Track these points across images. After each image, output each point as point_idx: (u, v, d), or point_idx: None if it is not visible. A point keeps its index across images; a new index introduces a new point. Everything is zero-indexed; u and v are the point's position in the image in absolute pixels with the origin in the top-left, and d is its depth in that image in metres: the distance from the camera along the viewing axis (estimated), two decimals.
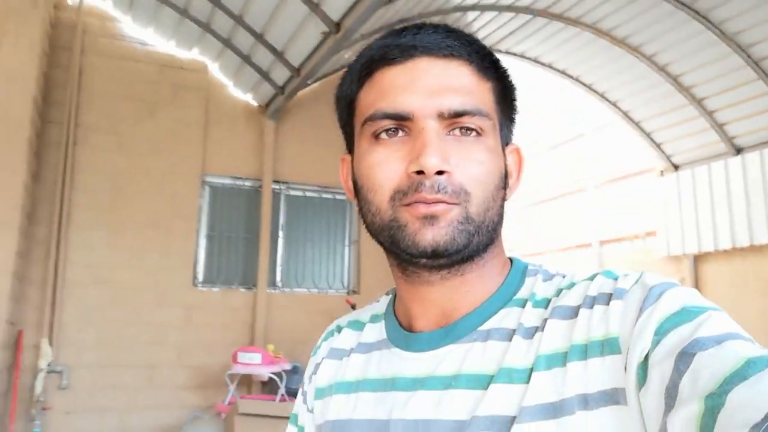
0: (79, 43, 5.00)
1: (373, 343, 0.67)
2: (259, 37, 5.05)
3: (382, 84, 0.59)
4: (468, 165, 0.56)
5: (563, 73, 6.57)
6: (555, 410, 0.49)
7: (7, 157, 4.23)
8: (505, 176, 0.61)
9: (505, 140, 0.63)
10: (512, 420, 0.50)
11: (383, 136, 0.58)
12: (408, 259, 0.58)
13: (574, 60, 6.37)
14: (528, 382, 0.52)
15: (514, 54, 6.43)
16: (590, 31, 5.74)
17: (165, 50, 5.26)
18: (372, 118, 0.58)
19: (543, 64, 6.54)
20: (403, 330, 0.64)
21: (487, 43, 6.95)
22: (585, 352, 0.50)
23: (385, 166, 0.57)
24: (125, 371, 5.05)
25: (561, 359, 0.51)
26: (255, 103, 5.77)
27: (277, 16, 4.75)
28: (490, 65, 0.60)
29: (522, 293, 0.60)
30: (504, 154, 0.62)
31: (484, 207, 0.57)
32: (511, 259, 0.65)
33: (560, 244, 8.66)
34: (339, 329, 0.73)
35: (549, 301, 0.58)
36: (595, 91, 6.64)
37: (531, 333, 0.55)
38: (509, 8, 5.54)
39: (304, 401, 0.73)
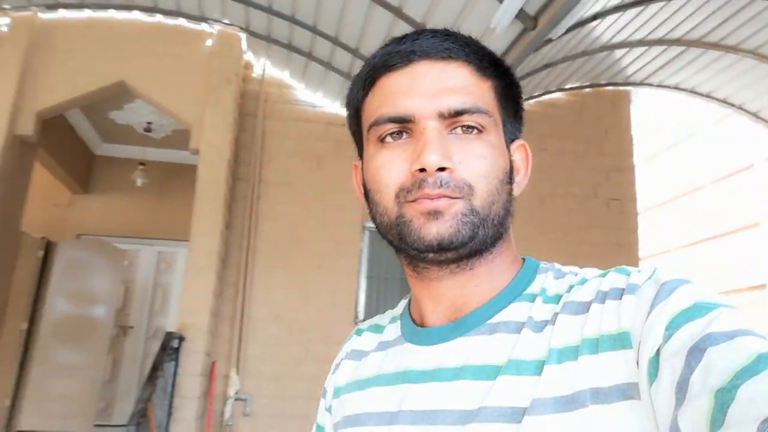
0: (261, 110, 5.79)
1: (389, 341, 0.68)
2: None
3: (384, 90, 0.60)
4: (470, 161, 0.57)
5: (724, 101, 6.24)
6: (568, 403, 0.48)
7: (209, 210, 5.00)
8: (511, 172, 0.62)
9: (511, 137, 0.64)
10: (523, 411, 0.50)
11: (388, 139, 0.60)
12: (416, 254, 0.59)
13: (734, 87, 6.04)
14: (539, 374, 0.51)
15: (668, 87, 6.25)
16: (752, 56, 5.45)
17: (331, 110, 5.90)
18: (376, 123, 0.60)
19: (701, 94, 6.27)
20: (416, 326, 0.65)
21: (638, 77, 6.71)
22: (597, 346, 0.50)
23: (390, 167, 0.59)
24: (299, 402, 5.52)
25: (573, 353, 0.51)
26: None
27: None
28: (489, 64, 0.62)
29: (532, 289, 0.61)
30: (509, 151, 0.63)
31: (489, 200, 0.58)
32: (523, 259, 0.66)
33: (727, 285, 7.95)
34: (359, 332, 0.74)
35: (560, 296, 0.58)
36: (763, 119, 6.20)
37: (541, 327, 0.55)
38: (659, 42, 5.46)
39: (324, 401, 0.75)
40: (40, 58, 5.05)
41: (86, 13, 5.17)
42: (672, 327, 0.45)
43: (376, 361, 0.67)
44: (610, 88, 6.32)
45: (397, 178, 0.58)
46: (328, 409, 0.72)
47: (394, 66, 0.60)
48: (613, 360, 0.49)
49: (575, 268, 0.62)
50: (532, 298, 0.59)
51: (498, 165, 0.59)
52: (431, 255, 0.58)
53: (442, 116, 0.57)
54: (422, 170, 0.56)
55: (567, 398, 0.49)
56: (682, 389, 0.41)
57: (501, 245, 0.62)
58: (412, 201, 0.57)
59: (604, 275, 0.57)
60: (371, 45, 4.98)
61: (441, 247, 0.57)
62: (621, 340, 0.49)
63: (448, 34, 0.61)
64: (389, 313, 0.74)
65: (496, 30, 4.12)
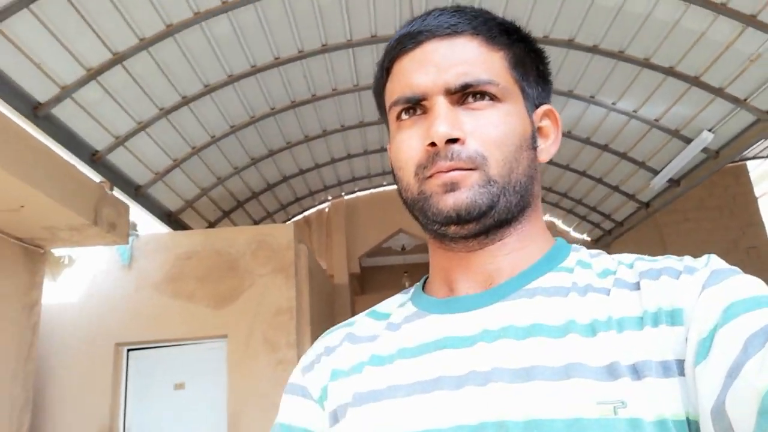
0: None
1: (401, 322, 0.64)
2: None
3: (399, 72, 0.62)
4: (482, 130, 0.57)
5: None
6: (633, 372, 0.48)
7: None
8: (533, 138, 0.62)
9: (535, 102, 0.64)
10: (628, 369, 0.48)
11: (404, 118, 0.61)
12: (438, 229, 0.60)
13: None
14: (595, 336, 0.51)
15: None
16: None
17: None
18: (394, 104, 0.62)
19: None
20: (440, 299, 0.63)
21: (750, 153, 8.40)
22: (656, 319, 0.50)
23: (408, 144, 0.60)
24: None
25: (638, 323, 0.51)
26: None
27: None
28: (500, 34, 0.61)
29: (568, 263, 0.61)
30: (531, 117, 0.62)
31: (507, 168, 0.58)
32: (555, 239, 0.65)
33: None
34: (351, 323, 0.70)
35: (605, 270, 0.58)
36: None
37: (586, 292, 0.56)
38: None
39: (302, 394, 0.65)
40: (353, 222, 8.53)
41: (373, 191, 8.64)
42: (730, 312, 0.46)
43: (391, 340, 0.63)
44: (729, 165, 8.38)
45: (414, 156, 0.59)
46: (319, 400, 0.63)
47: (405, 49, 0.62)
48: (669, 335, 0.49)
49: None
50: (570, 270, 0.60)
51: (515, 132, 0.59)
52: (453, 228, 0.59)
53: (449, 91, 0.58)
54: (433, 144, 0.57)
55: (633, 367, 0.48)
56: (733, 374, 0.42)
57: (530, 214, 0.62)
58: (429, 177, 0.58)
59: (654, 259, 0.58)
60: None
61: (460, 219, 0.57)
62: (675, 317, 0.50)
63: (456, 10, 0.62)
64: (384, 303, 0.71)
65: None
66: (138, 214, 5.09)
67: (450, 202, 0.57)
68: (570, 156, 6.60)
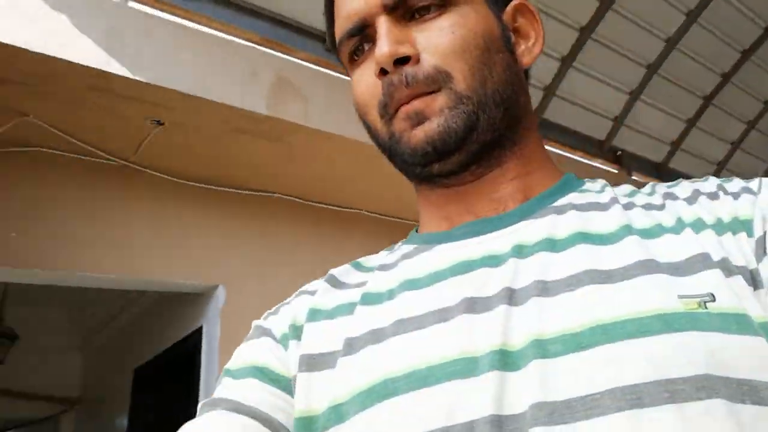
0: None
1: (397, 260, 0.54)
2: None
3: (336, 9, 0.55)
4: (436, 41, 0.49)
5: None
6: (722, 267, 0.41)
7: None
8: (505, 39, 0.53)
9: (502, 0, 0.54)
10: (716, 263, 0.41)
11: (355, 57, 0.54)
12: (421, 172, 0.51)
13: None
14: (680, 234, 0.44)
15: None
16: None
17: None
18: (341, 46, 0.54)
19: None
20: (446, 231, 0.53)
21: None
22: (733, 227, 0.44)
23: (363, 82, 0.52)
24: None
25: (714, 226, 0.44)
26: None
27: None
28: None
29: (591, 186, 0.53)
30: (497, 15, 0.53)
31: (478, 79, 0.49)
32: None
33: None
34: (330, 276, 0.56)
35: (647, 191, 0.51)
36: None
37: (632, 207, 0.48)
38: None
39: (257, 336, 0.53)
40: None
41: None
42: None
43: (389, 276, 0.53)
44: None
45: (372, 93, 0.52)
46: (283, 338, 0.51)
47: None
48: (734, 242, 0.43)
49: None
50: (600, 191, 0.52)
51: (476, 33, 0.50)
52: (436, 166, 0.50)
53: (388, 7, 0.50)
54: (384, 72, 0.49)
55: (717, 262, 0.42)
56: None
57: (526, 134, 0.54)
58: (394, 115, 0.51)
59: (703, 179, 0.51)
60: None
61: (438, 152, 0.49)
62: (740, 226, 0.44)
63: None
64: (372, 256, 0.59)
65: None
66: None
67: (421, 135, 0.49)
68: None
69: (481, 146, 0.50)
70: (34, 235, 2.14)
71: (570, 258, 0.44)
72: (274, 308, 0.56)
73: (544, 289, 0.42)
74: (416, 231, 0.59)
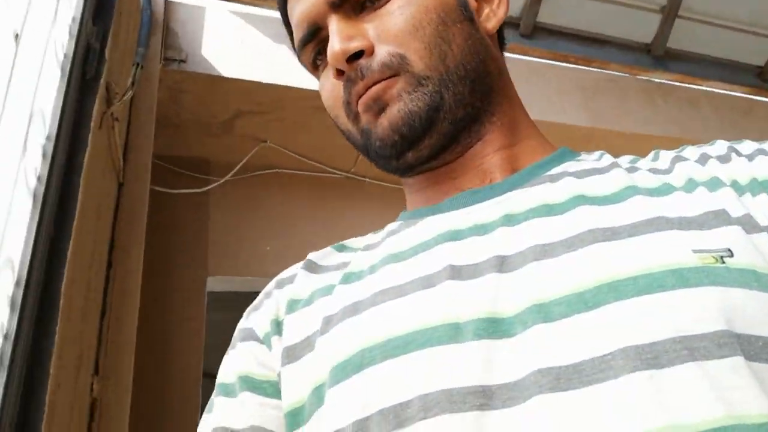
0: None
1: (382, 238, 0.50)
2: None
3: (290, 15, 0.53)
4: (387, 27, 0.46)
5: None
6: (740, 222, 0.38)
7: None
8: (462, 7, 0.49)
9: None
10: (734, 219, 0.38)
11: (318, 62, 0.52)
12: (399, 165, 0.49)
13: None
14: (693, 192, 0.41)
15: None
16: None
17: None
18: (300, 55, 0.53)
19: None
20: (434, 205, 0.49)
21: None
22: (753, 188, 0.41)
23: (327, 87, 0.51)
24: None
25: (732, 186, 0.41)
26: None
27: None
28: None
29: (588, 156, 0.50)
30: None
31: (436, 55, 0.46)
32: None
33: None
34: (308, 261, 0.52)
35: (650, 157, 0.48)
36: None
37: (635, 170, 0.45)
38: None
39: (251, 337, 0.48)
40: None
41: None
42: None
43: (372, 254, 0.48)
44: None
45: (336, 96, 0.49)
46: (266, 337, 0.47)
47: None
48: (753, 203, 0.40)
49: None
50: (597, 158, 0.49)
51: (427, 9, 0.47)
52: (410, 155, 0.47)
53: (334, 5, 0.47)
54: (341, 73, 0.47)
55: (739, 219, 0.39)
56: None
57: (504, 103, 0.51)
58: (357, 111, 0.47)
59: (712, 142, 0.47)
60: None
61: (406, 138, 0.46)
62: (756, 186, 0.41)
63: None
64: (357, 238, 0.55)
65: None
66: None
67: (385, 124, 0.46)
68: None
69: (452, 125, 0.47)
70: (284, 246, 2.40)
71: (570, 219, 0.40)
72: (256, 301, 0.53)
73: (542, 251, 0.39)
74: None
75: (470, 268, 0.40)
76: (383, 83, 0.46)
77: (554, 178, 0.45)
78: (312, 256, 0.54)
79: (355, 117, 0.48)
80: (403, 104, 0.45)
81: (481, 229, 0.43)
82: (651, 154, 0.49)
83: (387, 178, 2.70)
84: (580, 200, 0.42)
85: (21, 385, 0.78)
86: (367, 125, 0.48)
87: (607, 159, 0.48)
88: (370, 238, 0.54)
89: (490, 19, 0.52)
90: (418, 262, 0.43)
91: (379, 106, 0.46)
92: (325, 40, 0.49)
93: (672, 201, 0.40)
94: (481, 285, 0.38)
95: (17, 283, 0.79)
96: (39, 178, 0.87)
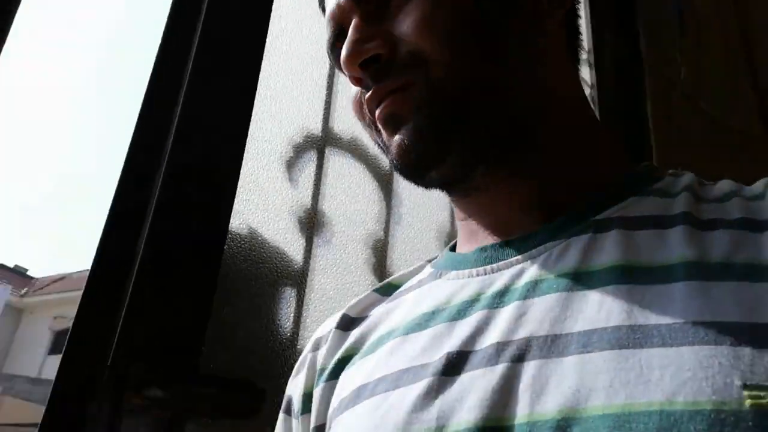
0: None
1: (407, 289, 0.48)
2: None
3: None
4: (409, 24, 0.41)
5: None
6: None
7: None
8: (505, 7, 0.43)
9: None
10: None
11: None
12: (428, 184, 0.45)
13: None
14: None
15: None
16: None
17: None
18: (330, 57, 0.50)
19: None
20: (465, 253, 0.45)
21: None
22: None
23: (352, 91, 0.46)
24: None
25: None
26: None
27: None
28: None
29: (665, 185, 0.40)
30: None
31: (463, 59, 0.40)
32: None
33: None
34: (343, 316, 0.51)
35: (740, 193, 0.37)
36: None
37: (715, 227, 0.34)
38: None
39: (285, 410, 0.51)
40: None
41: None
42: None
43: (388, 314, 0.47)
44: None
45: (359, 101, 0.45)
46: (298, 414, 0.48)
47: None
48: None
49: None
50: (673, 195, 0.38)
51: (452, 10, 0.41)
52: (434, 174, 0.42)
53: (358, 2, 0.44)
54: (358, 80, 0.43)
55: None
56: None
57: (562, 114, 0.44)
58: (377, 125, 0.44)
59: None
60: None
61: (422, 160, 0.41)
62: None
63: None
64: (409, 271, 0.52)
65: None
66: None
67: (398, 140, 0.42)
68: None
69: (478, 140, 0.41)
70: None
71: (596, 303, 0.33)
72: (298, 363, 0.51)
73: (551, 347, 0.32)
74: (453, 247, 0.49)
75: (464, 359, 0.35)
76: (397, 96, 0.41)
77: (601, 227, 0.37)
78: (349, 309, 0.50)
79: (376, 128, 0.44)
80: (415, 123, 0.40)
81: (495, 301, 0.37)
82: (760, 185, 0.37)
83: None
84: (618, 273, 0.33)
85: None
86: (386, 140, 0.43)
87: (685, 198, 0.37)
88: (411, 275, 0.50)
89: (555, 4, 0.44)
90: (420, 342, 0.39)
91: (395, 123, 0.41)
92: None
93: (735, 293, 0.29)
94: (473, 385, 0.33)
95: None
96: None
